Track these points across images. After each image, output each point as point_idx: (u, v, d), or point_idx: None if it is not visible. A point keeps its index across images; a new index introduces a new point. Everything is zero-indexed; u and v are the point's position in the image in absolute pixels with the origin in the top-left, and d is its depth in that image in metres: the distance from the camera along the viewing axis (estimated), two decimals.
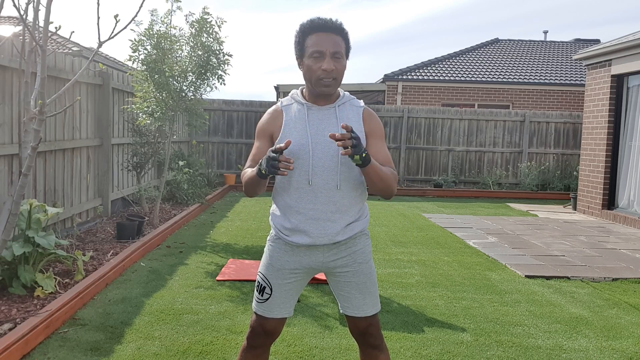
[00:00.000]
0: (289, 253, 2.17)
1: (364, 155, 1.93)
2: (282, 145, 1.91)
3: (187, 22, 6.59)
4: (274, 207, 2.23)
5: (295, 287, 2.21)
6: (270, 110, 2.24)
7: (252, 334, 2.21)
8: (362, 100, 2.27)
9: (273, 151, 1.92)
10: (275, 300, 2.18)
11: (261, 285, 2.21)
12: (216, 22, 6.58)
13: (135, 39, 6.40)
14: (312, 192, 2.10)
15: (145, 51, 6.42)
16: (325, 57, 2.06)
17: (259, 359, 2.24)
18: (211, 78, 6.69)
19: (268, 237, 2.26)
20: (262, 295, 2.20)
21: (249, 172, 2.11)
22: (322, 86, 2.09)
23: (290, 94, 2.25)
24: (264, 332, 2.20)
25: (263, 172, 1.95)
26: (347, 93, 2.25)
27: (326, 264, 2.18)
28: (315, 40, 2.07)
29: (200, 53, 6.57)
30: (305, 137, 2.10)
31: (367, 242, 2.24)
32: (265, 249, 2.26)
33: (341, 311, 2.25)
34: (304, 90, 2.22)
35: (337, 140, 1.87)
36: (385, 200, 2.11)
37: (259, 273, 2.24)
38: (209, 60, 6.57)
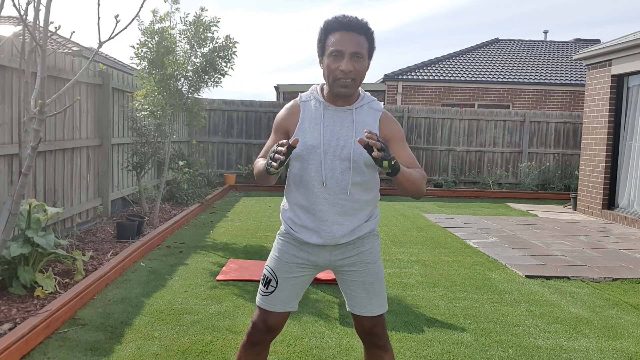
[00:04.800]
0: (298, 248, 2.18)
1: (392, 162, 1.83)
2: (288, 142, 1.85)
3: (182, 22, 6.62)
4: (284, 202, 2.23)
5: (301, 283, 2.21)
6: (288, 105, 2.19)
7: (254, 330, 2.20)
8: (382, 103, 2.23)
9: (280, 145, 1.87)
10: (280, 294, 2.17)
11: (267, 278, 2.20)
12: (213, 20, 6.59)
13: (139, 39, 6.48)
14: (321, 193, 2.08)
15: (147, 48, 6.45)
16: (345, 57, 2.00)
17: (258, 357, 2.23)
18: (210, 82, 6.76)
19: (278, 232, 2.27)
20: (267, 288, 2.19)
21: (259, 163, 2.12)
22: (339, 87, 2.04)
23: (310, 89, 2.20)
24: (265, 328, 2.19)
25: (267, 168, 1.90)
26: (367, 94, 2.18)
27: (333, 262, 2.18)
28: (336, 39, 2.02)
29: (204, 51, 6.62)
30: (318, 138, 2.07)
31: (375, 243, 2.22)
32: (274, 243, 2.26)
33: (348, 309, 2.25)
34: (324, 87, 2.16)
35: (366, 142, 1.76)
36: (415, 200, 2.02)
37: (266, 267, 2.25)
38: (214, 61, 6.62)
